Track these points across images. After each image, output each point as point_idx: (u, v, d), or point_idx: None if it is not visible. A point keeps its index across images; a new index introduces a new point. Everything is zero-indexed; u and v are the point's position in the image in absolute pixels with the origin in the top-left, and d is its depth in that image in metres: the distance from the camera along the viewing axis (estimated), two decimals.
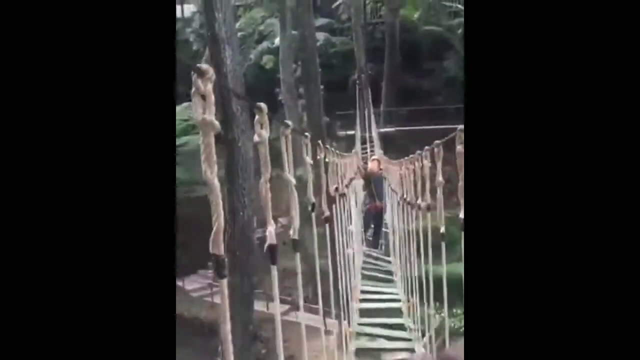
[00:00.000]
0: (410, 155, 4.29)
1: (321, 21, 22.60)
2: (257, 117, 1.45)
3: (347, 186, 5.60)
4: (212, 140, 0.97)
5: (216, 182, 0.94)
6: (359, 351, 4.66)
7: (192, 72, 0.96)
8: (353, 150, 9.56)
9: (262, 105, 1.47)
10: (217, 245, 0.93)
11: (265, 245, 1.59)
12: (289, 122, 1.99)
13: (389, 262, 7.60)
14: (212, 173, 0.94)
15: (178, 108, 18.15)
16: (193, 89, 0.95)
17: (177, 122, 17.67)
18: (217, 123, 0.94)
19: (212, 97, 0.94)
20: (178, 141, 17.89)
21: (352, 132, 18.09)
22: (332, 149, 4.64)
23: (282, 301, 6.92)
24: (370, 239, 8.97)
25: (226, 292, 1.03)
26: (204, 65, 0.96)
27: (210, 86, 0.96)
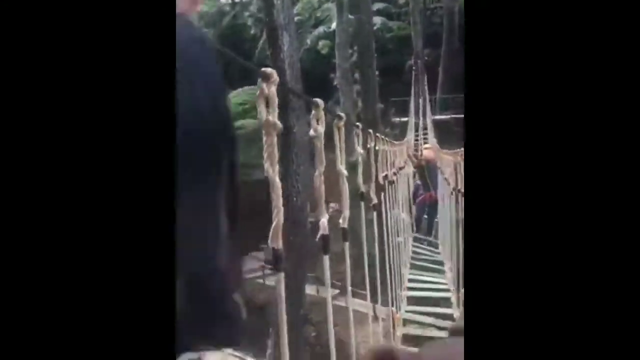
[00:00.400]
0: None
1: (378, 5, 22.39)
2: (313, 112, 1.53)
3: (395, 174, 5.63)
4: (275, 139, 1.06)
5: (277, 180, 1.03)
6: (406, 337, 4.72)
7: (257, 75, 1.05)
8: (405, 139, 9.47)
9: (319, 100, 1.54)
10: (276, 240, 1.02)
11: (318, 236, 1.68)
12: (342, 114, 2.06)
13: (439, 252, 7.58)
14: (274, 172, 1.03)
15: (234, 92, 18.47)
16: (258, 92, 1.04)
17: (233, 106, 18.01)
18: (279, 124, 1.02)
19: (276, 100, 1.03)
20: (235, 125, 18.13)
21: (406, 119, 17.93)
22: (383, 137, 4.67)
23: (332, 285, 7.03)
24: (424, 229, 8.89)
25: (283, 283, 1.11)
26: (268, 70, 1.05)
27: (274, 89, 1.04)
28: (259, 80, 1.05)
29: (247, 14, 23.86)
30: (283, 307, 1.16)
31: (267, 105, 1.03)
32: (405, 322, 5.01)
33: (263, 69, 1.06)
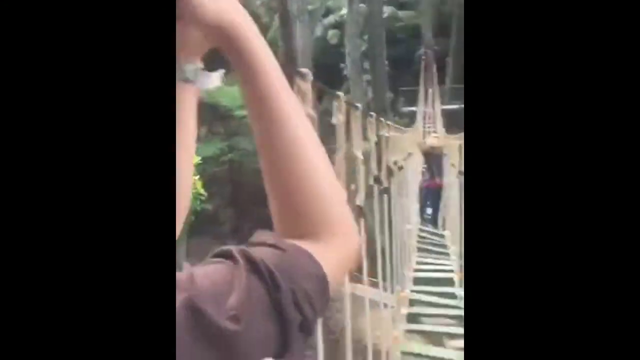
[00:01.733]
0: None
1: None
2: (335, 103, 1.80)
3: (405, 160, 5.86)
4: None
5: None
6: (410, 316, 4.95)
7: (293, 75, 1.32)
8: (414, 126, 9.58)
9: (340, 93, 1.81)
10: None
11: None
12: (359, 105, 2.33)
13: (444, 236, 7.74)
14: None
15: None
16: (295, 88, 1.30)
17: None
18: (314, 114, 1.28)
19: (311, 95, 1.29)
20: (244, 112, 18.04)
21: (415, 109, 18.02)
22: (392, 124, 4.88)
23: None
24: (429, 217, 8.99)
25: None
26: (304, 70, 1.32)
27: (309, 85, 1.30)
28: (296, 78, 1.31)
29: (258, 2, 23.91)
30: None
31: (303, 99, 1.29)
32: (412, 302, 5.24)
33: (298, 69, 1.33)
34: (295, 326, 0.49)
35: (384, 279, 4.01)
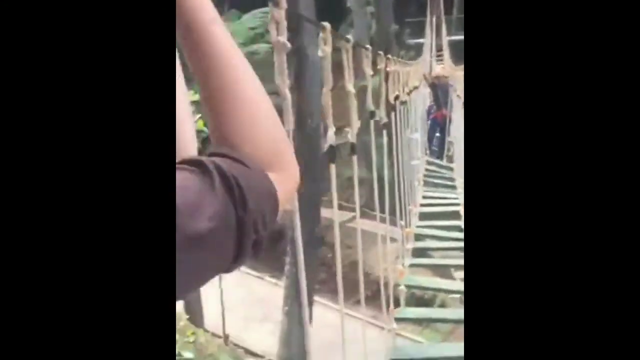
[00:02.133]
0: None
1: None
2: (320, 34, 1.69)
3: (409, 94, 5.74)
4: (285, 58, 1.23)
5: (288, 93, 1.23)
6: (416, 250, 4.98)
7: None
8: (419, 58, 9.41)
9: (326, 24, 1.70)
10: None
11: (325, 145, 1.88)
12: (349, 37, 2.22)
13: (452, 169, 7.74)
14: (284, 86, 1.22)
15: (246, 16, 18.17)
16: (270, 15, 1.22)
17: (246, 31, 17.77)
18: (288, 44, 1.20)
19: (285, 22, 1.20)
20: (248, 49, 18.08)
21: (421, 40, 17.60)
22: (395, 58, 4.75)
23: (346, 208, 7.26)
24: (436, 149, 8.98)
25: (296, 198, 1.32)
26: None
27: (283, 13, 1.21)
28: (270, 5, 1.21)
29: None
30: (298, 221, 1.39)
31: (277, 29, 1.20)
32: (418, 237, 5.27)
33: None
34: (250, 245, 0.51)
35: (390, 214, 4.02)
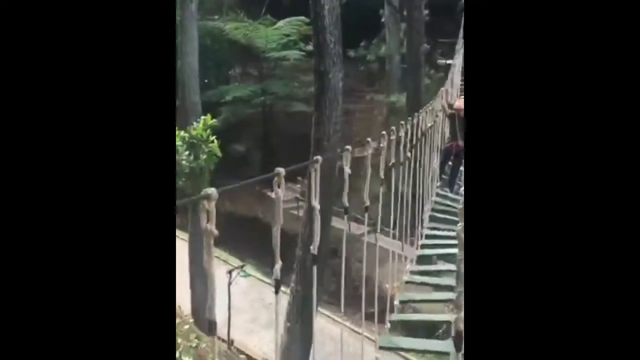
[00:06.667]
0: None
1: None
2: (275, 179, 1.87)
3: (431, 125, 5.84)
4: (212, 242, 1.15)
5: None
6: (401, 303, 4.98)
7: None
8: (442, 89, 9.37)
9: (280, 170, 1.91)
10: None
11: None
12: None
13: (458, 201, 7.52)
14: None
15: (281, 22, 18.25)
16: (200, 207, 1.15)
17: (280, 38, 17.85)
18: (216, 232, 1.14)
19: (214, 214, 1.13)
20: (279, 54, 17.99)
21: (451, 62, 17.50)
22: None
23: (362, 222, 7.29)
24: (446, 177, 8.86)
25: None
26: (210, 190, 1.20)
27: (213, 205, 1.16)
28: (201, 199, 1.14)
29: None
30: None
31: (208, 219, 1.14)
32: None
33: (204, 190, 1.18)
34: None
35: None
